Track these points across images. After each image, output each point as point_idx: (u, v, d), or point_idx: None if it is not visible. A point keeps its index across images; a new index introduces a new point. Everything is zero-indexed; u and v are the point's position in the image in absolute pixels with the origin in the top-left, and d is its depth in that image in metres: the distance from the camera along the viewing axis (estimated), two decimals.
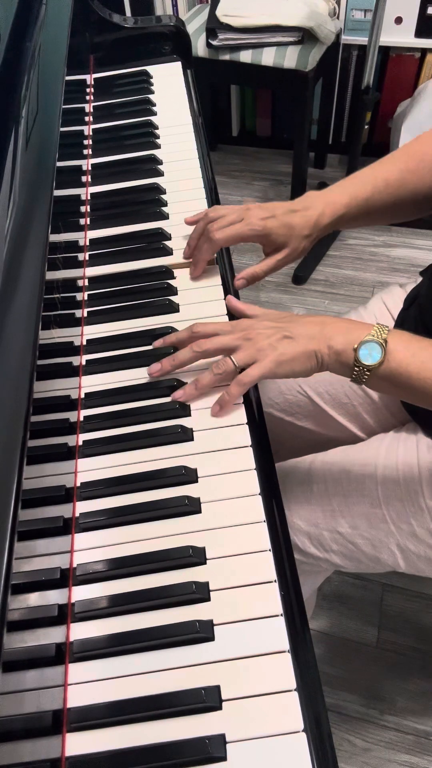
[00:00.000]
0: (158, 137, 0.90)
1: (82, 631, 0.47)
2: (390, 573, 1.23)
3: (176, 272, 0.72)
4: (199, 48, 1.80)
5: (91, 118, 0.94)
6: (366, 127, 1.82)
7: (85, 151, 0.89)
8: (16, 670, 0.39)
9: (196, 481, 0.54)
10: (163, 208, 0.79)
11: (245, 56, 1.78)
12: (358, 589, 1.25)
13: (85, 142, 0.90)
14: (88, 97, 0.97)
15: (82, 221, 0.78)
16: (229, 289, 0.70)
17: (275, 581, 0.48)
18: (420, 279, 0.82)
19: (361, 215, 0.71)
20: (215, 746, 0.41)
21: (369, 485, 0.69)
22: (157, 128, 0.91)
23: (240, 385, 0.57)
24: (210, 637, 0.45)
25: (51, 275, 0.55)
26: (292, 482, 0.73)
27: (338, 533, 0.71)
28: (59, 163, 0.61)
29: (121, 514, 0.53)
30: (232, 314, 0.66)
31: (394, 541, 0.69)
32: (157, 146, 0.88)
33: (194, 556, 0.49)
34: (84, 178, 0.84)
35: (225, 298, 0.67)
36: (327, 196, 0.70)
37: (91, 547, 0.51)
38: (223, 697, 0.43)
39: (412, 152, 0.72)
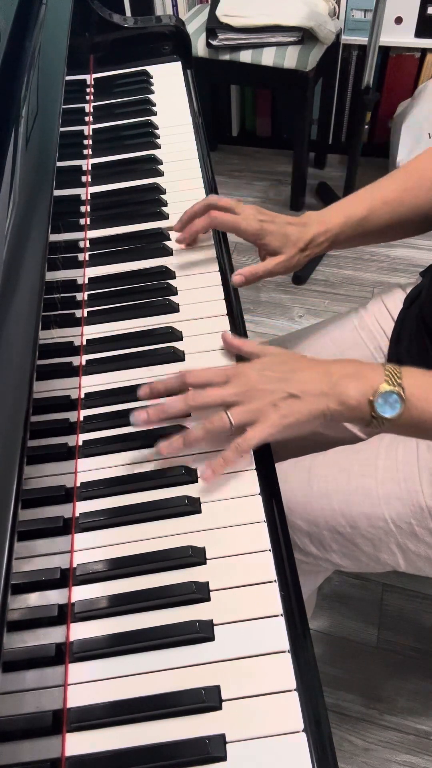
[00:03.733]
0: (158, 137, 0.90)
1: (82, 631, 0.47)
2: (390, 573, 1.24)
3: (177, 274, 0.72)
4: (199, 48, 1.80)
5: (91, 118, 0.94)
6: (366, 127, 1.82)
7: (85, 151, 0.89)
8: (16, 670, 0.39)
9: (196, 481, 0.54)
10: (163, 208, 0.79)
11: (245, 56, 1.78)
12: (358, 589, 1.25)
13: (85, 142, 0.90)
14: (88, 97, 0.97)
15: (82, 221, 0.78)
16: (229, 289, 0.70)
17: (275, 581, 0.48)
18: (420, 279, 0.82)
19: (357, 235, 0.72)
20: (215, 746, 0.41)
21: (369, 485, 0.69)
22: (157, 128, 0.91)
23: (237, 452, 0.52)
24: (210, 637, 0.45)
25: (51, 275, 0.55)
26: (292, 482, 0.73)
27: (338, 533, 0.71)
28: (59, 163, 0.61)
29: (121, 514, 0.53)
30: (236, 315, 0.66)
31: (394, 540, 0.69)
32: (157, 146, 0.88)
33: (194, 556, 0.49)
34: (84, 178, 0.84)
35: (222, 333, 0.62)
36: (323, 215, 0.71)
37: (91, 547, 0.51)
38: (223, 697, 0.43)
39: (410, 171, 0.73)
